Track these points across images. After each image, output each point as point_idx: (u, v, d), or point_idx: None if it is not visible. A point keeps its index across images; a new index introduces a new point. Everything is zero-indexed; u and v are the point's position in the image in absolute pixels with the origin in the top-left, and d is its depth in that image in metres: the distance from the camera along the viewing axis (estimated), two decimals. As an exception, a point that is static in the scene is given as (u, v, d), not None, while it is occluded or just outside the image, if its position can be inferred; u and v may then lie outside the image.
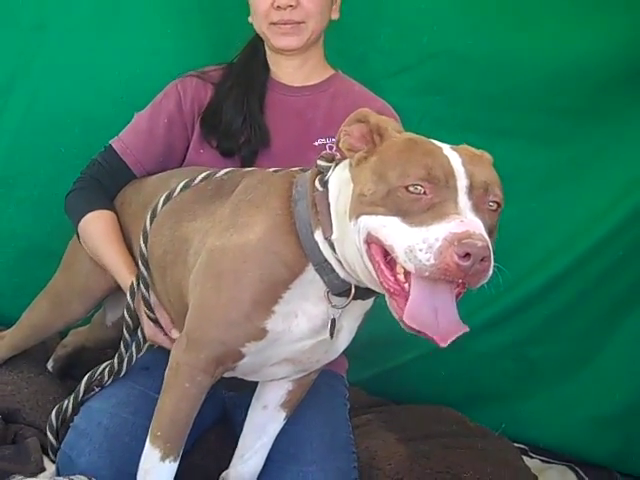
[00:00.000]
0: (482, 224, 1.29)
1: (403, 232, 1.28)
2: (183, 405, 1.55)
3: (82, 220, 1.91)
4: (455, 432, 2.24)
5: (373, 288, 1.44)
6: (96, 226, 1.90)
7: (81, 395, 1.85)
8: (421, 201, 1.29)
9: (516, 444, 2.48)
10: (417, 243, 1.25)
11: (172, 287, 1.71)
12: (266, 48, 2.07)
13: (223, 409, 1.98)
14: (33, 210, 2.50)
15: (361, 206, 1.35)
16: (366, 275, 1.40)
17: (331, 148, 1.98)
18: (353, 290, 1.48)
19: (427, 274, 1.25)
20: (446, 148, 1.39)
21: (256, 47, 2.08)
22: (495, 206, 1.36)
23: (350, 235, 1.38)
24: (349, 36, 2.40)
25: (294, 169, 1.64)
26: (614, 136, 2.44)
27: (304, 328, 1.53)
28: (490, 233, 1.34)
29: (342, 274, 1.47)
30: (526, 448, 2.54)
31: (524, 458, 2.39)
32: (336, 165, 1.51)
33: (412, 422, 2.26)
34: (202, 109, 2.01)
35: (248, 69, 2.05)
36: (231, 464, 1.79)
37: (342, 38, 2.39)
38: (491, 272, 1.28)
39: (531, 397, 2.59)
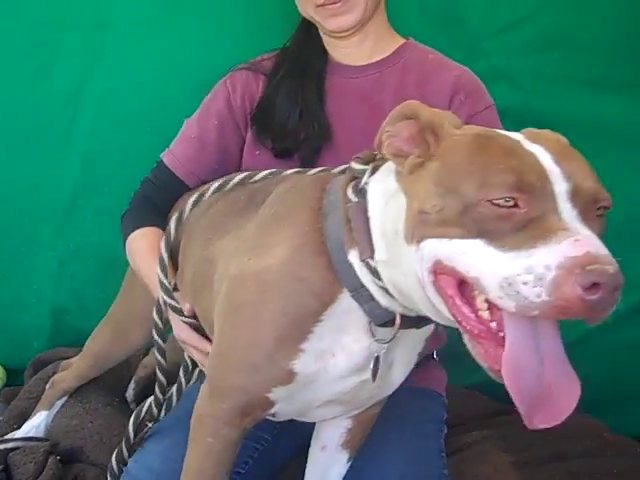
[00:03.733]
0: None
1: (493, 260, 0.99)
2: (208, 462, 1.34)
3: (128, 239, 1.76)
4: (587, 452, 1.87)
5: (438, 322, 1.15)
6: (139, 243, 1.73)
7: (132, 437, 1.66)
8: (513, 217, 0.98)
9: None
10: (518, 274, 0.95)
11: (201, 317, 1.50)
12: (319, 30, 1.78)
13: (302, 439, 1.66)
14: (111, 221, 2.36)
15: (424, 227, 1.06)
16: (428, 308, 1.12)
17: None
18: (398, 320, 1.19)
19: (536, 313, 0.95)
20: (523, 140, 1.07)
21: (308, 29, 1.79)
22: (602, 211, 1.03)
23: (407, 261, 1.09)
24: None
25: (334, 170, 1.37)
26: None
27: (342, 367, 1.25)
28: None
29: (383, 302, 1.19)
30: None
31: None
32: (374, 169, 1.21)
33: (537, 437, 1.90)
34: (254, 105, 1.77)
35: (303, 54, 1.78)
36: None
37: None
38: None
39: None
